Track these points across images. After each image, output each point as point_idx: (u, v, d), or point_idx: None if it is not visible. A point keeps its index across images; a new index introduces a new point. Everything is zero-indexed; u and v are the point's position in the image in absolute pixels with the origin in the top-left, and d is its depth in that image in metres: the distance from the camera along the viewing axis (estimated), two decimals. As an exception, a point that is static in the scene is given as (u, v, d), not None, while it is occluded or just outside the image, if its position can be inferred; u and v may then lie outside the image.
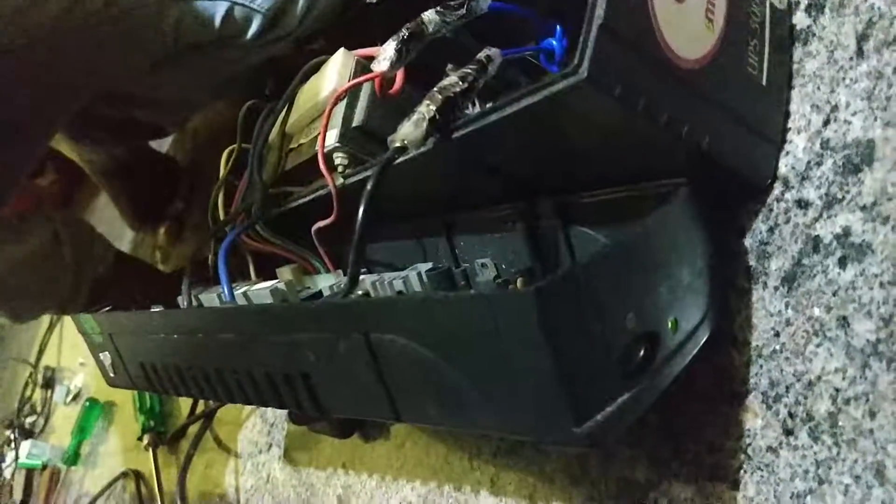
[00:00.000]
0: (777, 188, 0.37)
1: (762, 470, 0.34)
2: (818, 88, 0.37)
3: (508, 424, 0.30)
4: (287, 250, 0.54)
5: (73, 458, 1.26)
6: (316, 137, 0.53)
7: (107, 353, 0.55)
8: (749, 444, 0.35)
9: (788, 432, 0.34)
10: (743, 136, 0.37)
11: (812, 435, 0.33)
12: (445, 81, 0.38)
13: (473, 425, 0.32)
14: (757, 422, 0.35)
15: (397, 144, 0.37)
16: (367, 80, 0.46)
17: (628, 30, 0.32)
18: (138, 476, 1.00)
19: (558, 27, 0.45)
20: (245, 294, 0.47)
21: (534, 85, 0.33)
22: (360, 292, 0.38)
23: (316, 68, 0.55)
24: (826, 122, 0.36)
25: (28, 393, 1.62)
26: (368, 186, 0.35)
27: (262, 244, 0.55)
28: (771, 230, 0.37)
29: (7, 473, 1.54)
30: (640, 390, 0.30)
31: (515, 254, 0.45)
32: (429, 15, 0.44)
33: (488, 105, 0.35)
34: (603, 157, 0.38)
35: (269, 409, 0.77)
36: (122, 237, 1.38)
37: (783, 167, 0.37)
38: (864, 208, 0.33)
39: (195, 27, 0.68)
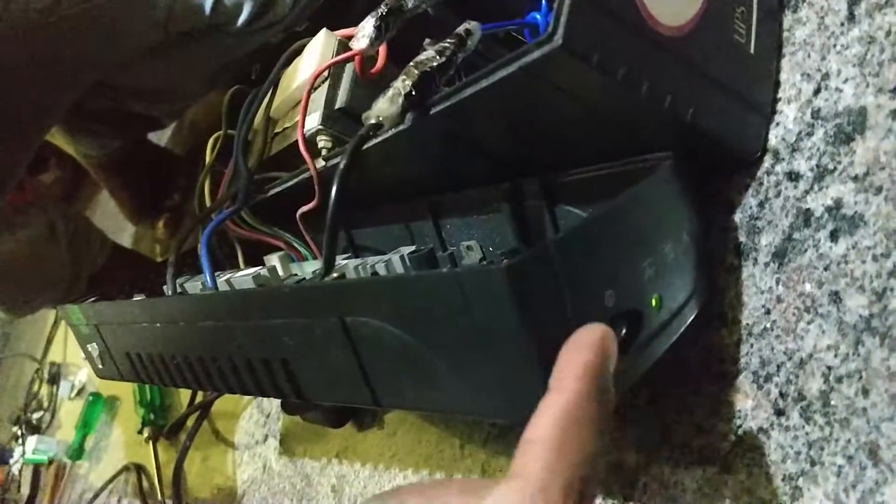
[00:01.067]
0: (767, 161, 0.36)
1: (753, 452, 0.33)
2: (808, 56, 0.36)
3: (484, 407, 0.29)
4: (273, 237, 0.53)
5: (77, 452, 1.26)
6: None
7: (94, 344, 0.54)
8: (739, 426, 0.34)
9: (779, 412, 0.32)
10: (730, 106, 0.35)
11: (804, 415, 0.31)
12: (422, 56, 0.37)
13: (450, 409, 0.31)
14: (747, 402, 0.34)
15: (372, 121, 0.36)
16: (346, 59, 0.45)
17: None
18: (140, 469, 1.00)
19: (543, 1, 0.44)
20: (228, 281, 0.46)
21: (508, 56, 0.31)
22: (335, 275, 0.37)
23: (299, 51, 0.54)
24: (817, 91, 0.35)
25: (34, 389, 1.62)
26: (341, 165, 0.34)
27: (249, 231, 0.54)
28: (761, 205, 0.36)
29: (15, 469, 1.54)
30: (621, 370, 0.29)
31: (502, 235, 0.43)
32: (408, -10, 0.43)
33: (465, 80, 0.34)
34: (586, 131, 0.36)
35: (266, 399, 0.76)
36: (124, 232, 1.38)
37: (773, 139, 0.36)
38: (855, 179, 0.32)
39: (186, 14, 0.67)
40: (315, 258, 0.53)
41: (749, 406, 0.34)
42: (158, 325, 0.45)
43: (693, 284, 0.34)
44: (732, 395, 0.34)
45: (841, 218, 0.32)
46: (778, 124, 0.36)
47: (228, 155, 0.61)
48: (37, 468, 1.44)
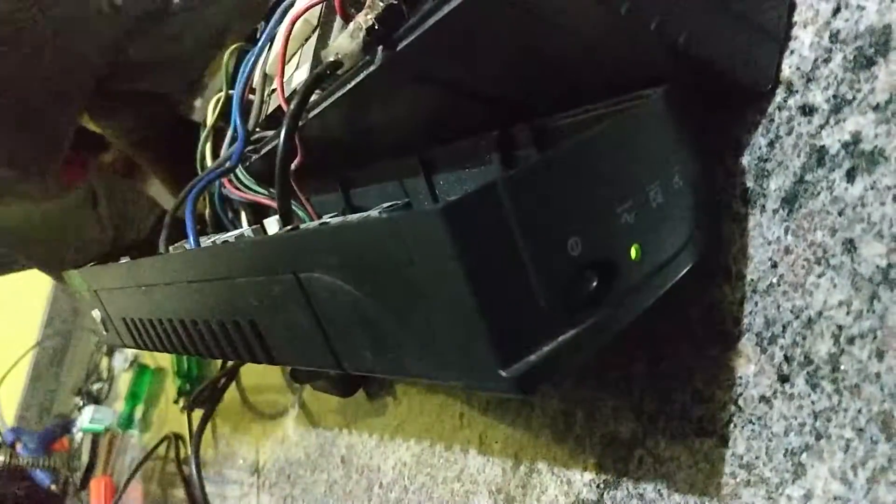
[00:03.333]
0: (779, 94, 0.32)
1: (754, 423, 0.29)
2: (828, -29, 0.31)
3: (437, 369, 0.26)
4: (270, 198, 0.51)
5: (127, 422, 1.29)
6: (293, 76, 0.49)
7: (96, 310, 0.54)
8: (740, 394, 0.30)
9: (784, 379, 0.28)
10: (736, 32, 0.31)
11: (810, 381, 0.27)
12: (390, -12, 0.34)
13: (405, 370, 0.28)
14: (750, 367, 0.30)
15: (330, 59, 0.33)
16: (324, 1, 0.42)
17: None
18: (178, 438, 1.01)
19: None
20: (214, 243, 0.44)
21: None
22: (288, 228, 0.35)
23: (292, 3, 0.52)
24: (836, 11, 0.30)
25: (95, 360, 1.67)
26: (291, 105, 0.32)
27: (246, 193, 0.52)
28: (771, 144, 0.31)
29: (77, 438, 1.60)
30: (589, 328, 0.25)
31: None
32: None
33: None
34: (567, 65, 0.33)
35: (289, 368, 0.75)
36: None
37: (786, 69, 0.32)
38: (876, 108, 0.27)
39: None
40: (311, 220, 0.51)
41: (751, 371, 0.30)
42: (143, 288, 0.44)
43: (687, 234, 0.30)
44: (734, 359, 0.30)
45: (859, 154, 0.28)
46: (792, 52, 0.31)
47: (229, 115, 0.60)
48: (95, 437, 1.48)
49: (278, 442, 0.71)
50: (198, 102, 1.62)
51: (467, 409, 0.45)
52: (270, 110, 0.53)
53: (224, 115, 0.58)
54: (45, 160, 0.73)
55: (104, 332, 0.55)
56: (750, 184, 0.32)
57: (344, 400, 0.60)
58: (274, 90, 0.53)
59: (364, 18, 0.32)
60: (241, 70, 0.55)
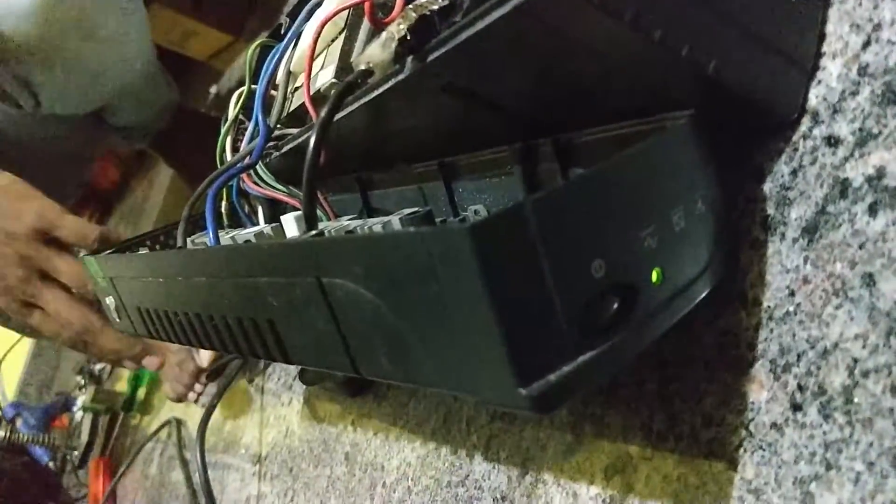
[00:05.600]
0: (805, 123, 0.32)
1: (764, 449, 0.29)
2: (860, 4, 0.31)
3: (453, 381, 0.27)
4: (289, 196, 0.52)
5: (128, 404, 1.30)
6: (317, 75, 0.49)
7: (111, 297, 0.54)
8: (752, 420, 0.30)
9: (796, 407, 0.29)
10: (765, 60, 0.31)
11: (822, 412, 0.28)
12: (421, -1, 0.34)
13: (422, 381, 0.29)
14: (762, 394, 0.30)
15: (362, 67, 0.33)
16: (355, 5, 0.43)
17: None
18: (179, 423, 1.02)
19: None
20: (233, 238, 0.45)
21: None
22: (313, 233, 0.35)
23: (321, 2, 0.52)
24: (866, 44, 0.30)
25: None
26: (323, 112, 0.32)
27: (265, 190, 0.53)
28: (794, 173, 0.32)
29: (77, 417, 1.60)
30: (608, 350, 0.26)
31: (513, 200, 0.40)
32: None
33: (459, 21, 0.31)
34: (597, 85, 0.33)
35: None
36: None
37: (813, 98, 0.32)
38: (902, 144, 0.28)
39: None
40: (330, 219, 0.51)
41: (764, 398, 0.30)
42: (162, 279, 0.44)
43: (707, 259, 0.30)
44: (747, 384, 0.31)
45: (882, 189, 0.28)
46: (819, 82, 0.32)
47: (251, 111, 0.60)
48: (95, 416, 1.49)
49: (282, 434, 0.71)
50: (213, 89, 1.63)
51: (475, 415, 0.46)
52: (293, 107, 0.53)
53: (245, 109, 0.59)
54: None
55: (117, 320, 0.55)
56: (771, 211, 0.32)
57: (351, 399, 0.61)
58: (298, 87, 0.53)
59: (397, 28, 0.33)
60: (265, 66, 0.55)
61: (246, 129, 0.61)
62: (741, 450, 0.30)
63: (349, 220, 0.44)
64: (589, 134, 0.36)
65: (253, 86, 0.59)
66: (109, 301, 0.55)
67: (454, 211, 0.44)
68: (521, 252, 0.24)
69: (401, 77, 0.34)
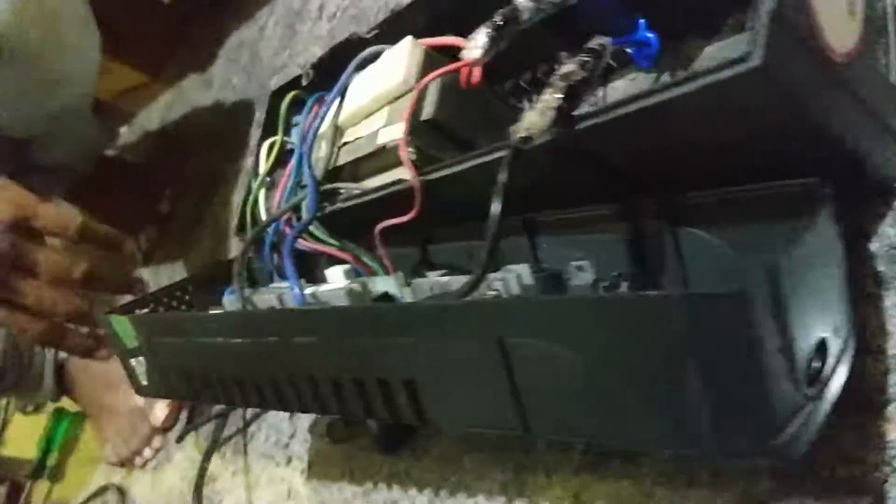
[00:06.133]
0: (906, 190, 0.36)
1: (911, 483, 0.33)
2: (951, 89, 0.36)
3: (681, 439, 0.28)
4: (342, 250, 0.51)
5: (38, 471, 1.19)
6: (377, 132, 0.50)
7: (141, 358, 0.51)
8: (894, 457, 0.33)
9: (941, 444, 0.32)
10: (878, 134, 0.35)
11: (971, 447, 0.31)
12: (565, 69, 0.36)
13: (632, 439, 0.30)
14: (900, 433, 0.33)
15: (522, 134, 0.34)
16: (453, 70, 0.44)
17: (794, 17, 0.30)
18: (122, 493, 0.95)
19: (642, 20, 0.43)
20: (314, 295, 0.44)
21: (685, 75, 0.31)
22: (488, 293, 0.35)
23: (371, 58, 0.52)
24: (962, 124, 0.35)
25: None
26: (502, 178, 0.33)
27: (314, 244, 0.52)
28: (902, 233, 0.36)
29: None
30: (816, 402, 0.28)
31: (610, 257, 0.42)
32: (522, 1, 0.42)
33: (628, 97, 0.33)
34: (733, 153, 0.36)
35: (287, 420, 0.73)
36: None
37: (913, 169, 0.36)
38: None
39: None
40: (387, 273, 0.51)
41: (903, 437, 0.33)
42: (241, 340, 0.42)
43: (852, 315, 0.33)
44: (882, 425, 0.34)
45: None
46: (918, 154, 0.36)
47: (279, 163, 0.59)
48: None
49: (282, 496, 0.68)
50: (123, 129, 1.56)
51: (554, 467, 0.46)
52: (341, 162, 0.53)
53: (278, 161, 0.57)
54: None
55: (143, 382, 0.52)
56: (882, 268, 0.36)
57: (377, 455, 0.59)
58: (345, 143, 0.53)
59: (552, 98, 0.34)
60: (306, 120, 0.55)
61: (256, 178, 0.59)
62: (886, 484, 0.33)
63: (439, 275, 0.44)
64: (698, 196, 0.39)
65: (285, 137, 0.58)
66: (136, 363, 0.51)
67: (537, 265, 0.46)
68: (770, 315, 0.26)
69: (543, 139, 0.36)
